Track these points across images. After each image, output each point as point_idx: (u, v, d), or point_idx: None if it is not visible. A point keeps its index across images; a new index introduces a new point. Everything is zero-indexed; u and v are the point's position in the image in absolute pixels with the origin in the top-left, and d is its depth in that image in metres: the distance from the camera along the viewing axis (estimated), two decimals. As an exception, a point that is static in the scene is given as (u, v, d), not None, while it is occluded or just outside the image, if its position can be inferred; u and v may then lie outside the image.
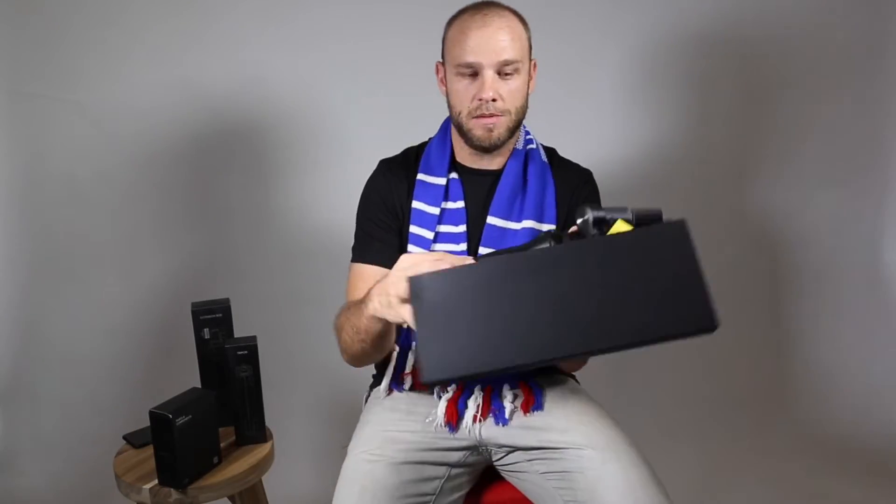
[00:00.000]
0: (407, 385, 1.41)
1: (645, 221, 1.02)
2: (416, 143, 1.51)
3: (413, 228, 1.39)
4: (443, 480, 1.33)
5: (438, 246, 1.38)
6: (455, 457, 1.35)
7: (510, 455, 1.37)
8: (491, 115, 1.34)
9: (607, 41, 2.26)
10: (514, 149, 1.43)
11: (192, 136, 2.15)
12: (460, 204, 1.39)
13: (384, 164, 1.48)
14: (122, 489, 1.51)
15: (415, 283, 0.94)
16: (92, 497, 2.06)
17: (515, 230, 1.38)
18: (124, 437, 1.64)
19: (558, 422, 1.33)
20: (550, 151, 1.51)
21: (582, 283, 0.90)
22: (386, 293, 1.06)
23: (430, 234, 1.38)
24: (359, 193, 1.48)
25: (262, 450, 1.59)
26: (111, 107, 2.10)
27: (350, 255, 1.44)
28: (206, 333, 1.60)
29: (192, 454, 1.46)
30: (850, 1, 2.31)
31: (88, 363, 2.16)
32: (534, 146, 1.46)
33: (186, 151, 2.15)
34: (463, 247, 1.38)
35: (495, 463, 1.40)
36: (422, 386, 1.38)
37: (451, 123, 1.43)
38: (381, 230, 1.40)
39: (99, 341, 2.16)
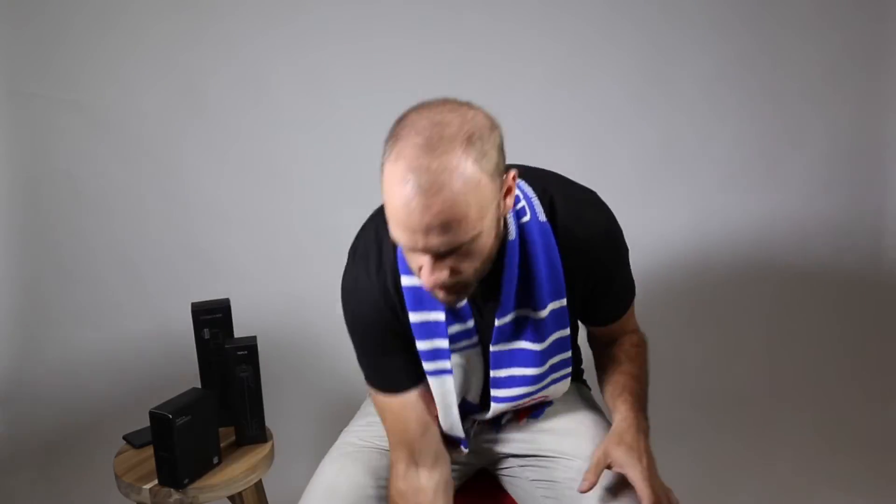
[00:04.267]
0: None
1: None
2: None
3: (420, 344, 1.16)
4: None
5: (452, 345, 1.20)
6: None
7: (505, 459, 1.36)
8: (447, 289, 1.05)
9: (609, 42, 2.26)
10: (508, 240, 1.12)
11: (192, 135, 2.15)
12: (470, 324, 1.19)
13: (364, 293, 1.18)
14: (122, 489, 1.51)
15: None
16: (92, 497, 2.06)
17: (540, 318, 1.18)
18: (124, 437, 1.64)
19: (553, 430, 1.31)
20: (545, 193, 1.19)
21: None
22: None
23: (444, 343, 1.16)
24: (359, 193, 1.48)
25: (262, 450, 1.59)
26: (111, 107, 2.10)
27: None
28: (206, 333, 1.60)
29: (192, 454, 1.46)
30: (850, 1, 2.31)
31: (88, 363, 2.16)
32: (527, 218, 1.14)
33: (186, 151, 2.15)
34: (475, 339, 1.20)
35: (488, 466, 1.40)
36: None
37: None
38: (395, 356, 1.19)
39: (99, 341, 2.16)
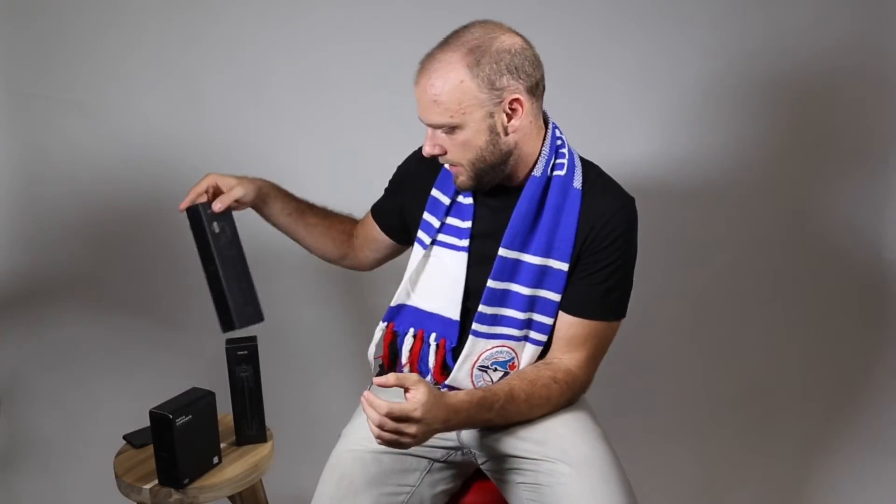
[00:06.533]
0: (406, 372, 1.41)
1: None
2: (417, 145, 1.50)
3: (426, 216, 1.42)
4: (424, 473, 1.36)
5: (441, 237, 1.40)
6: (438, 453, 1.37)
7: (492, 460, 1.37)
8: (450, 165, 1.32)
9: (609, 42, 2.26)
10: (532, 176, 1.33)
11: (192, 136, 2.15)
12: (466, 224, 1.38)
13: (420, 150, 1.43)
14: (122, 489, 1.51)
15: None
16: (92, 497, 2.06)
17: (524, 262, 1.33)
18: (124, 437, 1.64)
19: (538, 432, 1.32)
20: (591, 173, 1.39)
21: None
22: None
23: (435, 222, 1.40)
24: (359, 193, 1.56)
25: (262, 450, 1.59)
26: (111, 107, 2.10)
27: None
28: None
29: (192, 454, 1.46)
30: (849, 3, 2.31)
31: (88, 363, 2.16)
32: (562, 172, 1.33)
33: (186, 151, 2.15)
34: (465, 242, 1.38)
35: (481, 466, 1.40)
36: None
37: None
38: (389, 198, 1.57)
39: (99, 341, 2.16)
